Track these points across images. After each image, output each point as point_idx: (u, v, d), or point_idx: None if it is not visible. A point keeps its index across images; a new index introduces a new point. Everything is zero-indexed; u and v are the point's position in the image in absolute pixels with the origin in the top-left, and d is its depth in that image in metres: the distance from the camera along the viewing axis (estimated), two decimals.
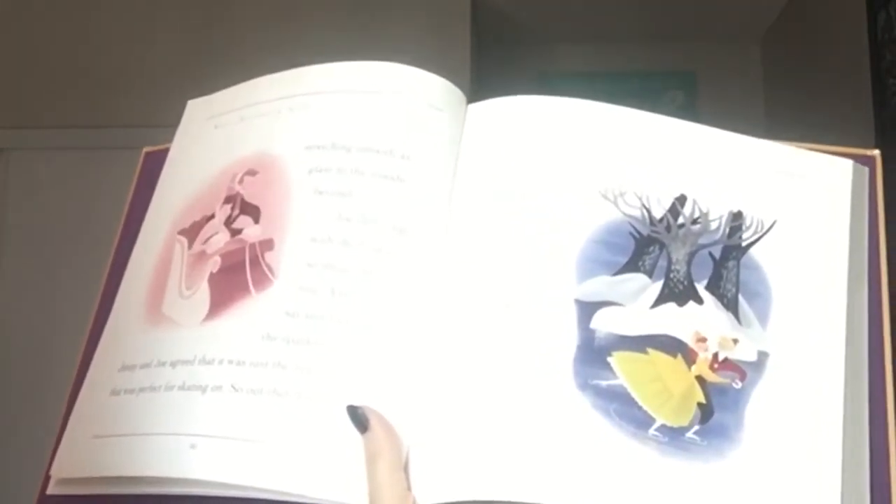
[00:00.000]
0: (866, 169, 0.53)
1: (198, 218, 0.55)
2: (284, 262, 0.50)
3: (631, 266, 0.49)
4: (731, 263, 0.50)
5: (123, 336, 0.54)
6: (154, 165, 0.61)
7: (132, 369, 0.52)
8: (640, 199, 0.51)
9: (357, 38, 2.59)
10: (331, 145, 0.53)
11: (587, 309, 0.48)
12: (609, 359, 0.47)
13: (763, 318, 0.49)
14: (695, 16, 2.91)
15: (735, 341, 0.48)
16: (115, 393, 0.51)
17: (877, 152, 0.54)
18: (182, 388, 0.49)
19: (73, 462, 0.51)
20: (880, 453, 0.46)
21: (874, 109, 2.22)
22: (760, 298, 0.49)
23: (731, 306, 0.49)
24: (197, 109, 0.62)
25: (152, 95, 2.53)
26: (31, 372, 2.40)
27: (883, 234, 0.51)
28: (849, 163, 0.53)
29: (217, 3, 2.66)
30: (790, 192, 0.52)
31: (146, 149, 0.63)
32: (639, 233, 0.50)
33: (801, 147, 0.54)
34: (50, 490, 0.52)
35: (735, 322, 0.48)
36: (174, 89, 2.70)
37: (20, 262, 2.51)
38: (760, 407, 0.46)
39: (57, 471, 0.52)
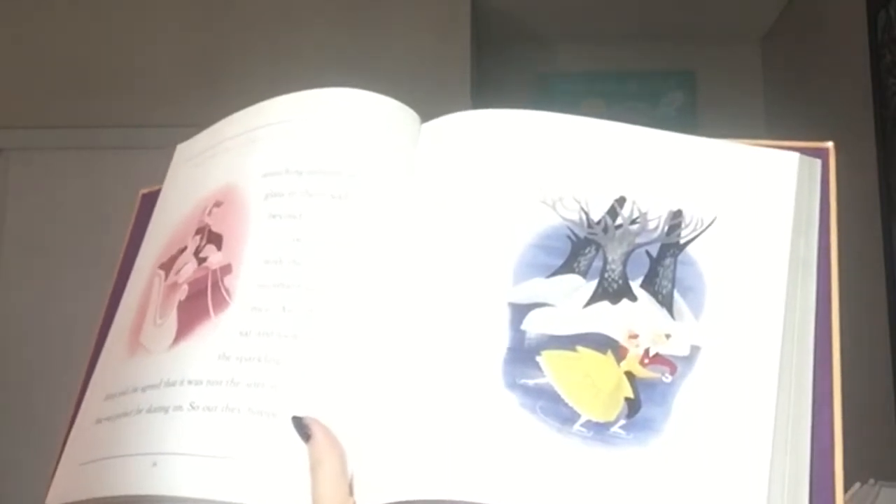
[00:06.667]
0: (818, 161, 0.52)
1: (174, 252, 0.58)
2: (240, 284, 0.53)
3: (565, 268, 0.50)
4: (667, 261, 0.50)
5: (109, 368, 0.57)
6: (149, 206, 0.64)
7: (113, 398, 0.54)
8: (578, 202, 0.52)
9: (357, 39, 2.60)
10: (284, 171, 0.55)
11: (520, 311, 0.49)
12: (538, 358, 0.47)
13: (696, 310, 0.49)
14: (695, 16, 2.91)
15: (668, 336, 0.48)
16: (98, 421, 0.54)
17: (830, 144, 0.53)
18: (148, 410, 0.52)
19: (60, 490, 0.54)
20: (823, 445, 0.46)
21: (874, 109, 2.21)
22: (694, 291, 0.49)
23: (666, 302, 0.49)
24: (182, 151, 0.65)
25: (152, 95, 2.55)
26: (30, 372, 2.42)
27: (835, 226, 0.50)
28: (794, 155, 0.52)
29: (218, 3, 2.67)
30: (731, 189, 0.52)
31: (142, 190, 0.67)
32: (576, 235, 0.51)
33: (747, 143, 0.53)
34: None
35: (669, 317, 0.49)
36: (174, 89, 2.72)
37: (20, 262, 2.52)
38: (688, 399, 0.46)
39: (49, 500, 0.54)
